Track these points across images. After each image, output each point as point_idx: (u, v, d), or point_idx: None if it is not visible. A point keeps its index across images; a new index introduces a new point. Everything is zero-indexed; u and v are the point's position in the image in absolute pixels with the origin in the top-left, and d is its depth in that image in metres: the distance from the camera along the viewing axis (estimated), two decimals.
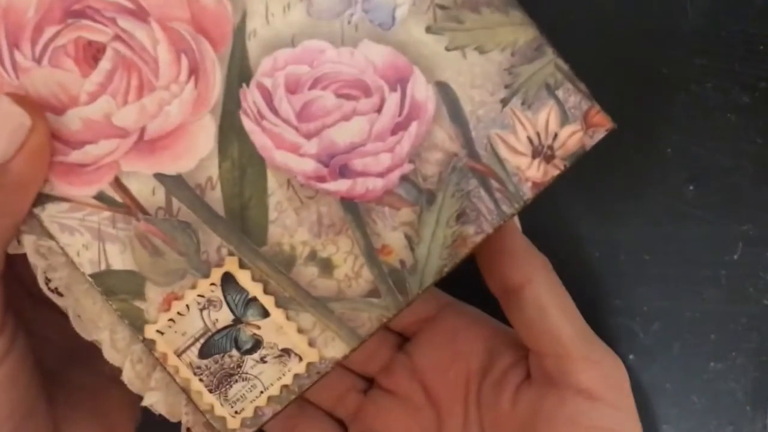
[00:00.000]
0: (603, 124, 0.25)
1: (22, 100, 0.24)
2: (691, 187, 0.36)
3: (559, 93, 0.25)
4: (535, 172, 0.25)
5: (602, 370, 0.29)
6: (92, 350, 0.30)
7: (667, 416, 0.36)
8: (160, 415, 0.27)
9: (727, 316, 0.36)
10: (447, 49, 0.25)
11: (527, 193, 0.25)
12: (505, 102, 0.25)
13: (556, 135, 0.25)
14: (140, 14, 0.25)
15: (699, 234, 0.36)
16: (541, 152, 0.25)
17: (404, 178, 0.25)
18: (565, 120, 0.25)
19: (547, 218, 0.36)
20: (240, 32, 0.25)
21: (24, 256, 0.26)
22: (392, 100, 0.25)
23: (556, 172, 0.25)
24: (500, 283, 0.30)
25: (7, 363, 0.26)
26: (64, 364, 0.31)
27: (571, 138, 0.25)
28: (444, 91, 0.25)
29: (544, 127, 0.25)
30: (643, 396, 0.30)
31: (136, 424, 0.32)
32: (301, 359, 0.26)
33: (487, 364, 0.32)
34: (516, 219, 0.32)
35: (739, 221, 0.36)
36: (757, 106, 0.36)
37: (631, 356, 0.36)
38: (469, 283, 0.31)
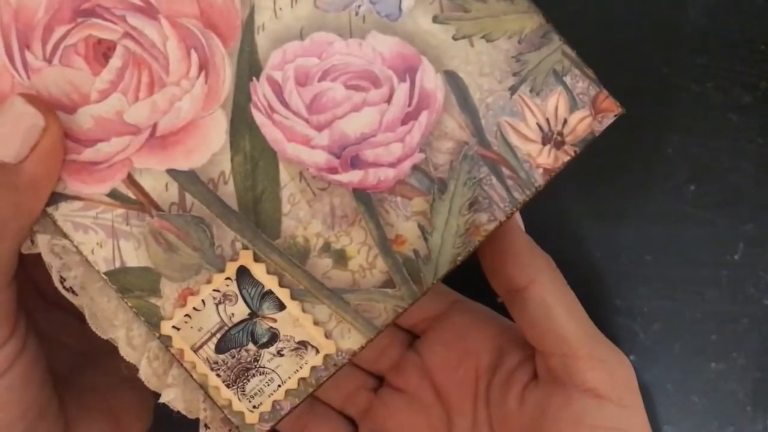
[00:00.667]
0: (612, 109, 0.25)
1: (35, 100, 0.24)
2: (692, 187, 0.36)
3: (567, 79, 0.25)
4: (546, 159, 0.25)
5: (608, 369, 0.29)
6: (104, 352, 0.30)
7: (668, 416, 0.36)
8: (178, 413, 0.27)
9: (728, 317, 0.36)
10: (454, 38, 0.25)
11: (539, 179, 0.25)
12: (513, 89, 0.25)
13: (565, 121, 0.25)
14: (149, 11, 0.25)
15: (700, 234, 0.36)
16: (552, 138, 0.25)
17: (416, 168, 0.25)
18: (574, 106, 0.25)
19: (548, 218, 0.36)
20: (249, 26, 0.25)
21: (36, 257, 0.26)
22: (401, 90, 0.25)
23: (567, 158, 0.25)
24: (504, 284, 0.30)
25: (19, 364, 0.26)
26: (76, 366, 0.31)
27: (581, 124, 0.25)
28: (453, 80, 0.25)
29: (554, 113, 0.25)
30: (644, 396, 0.30)
31: (147, 426, 0.32)
32: (318, 351, 0.26)
33: (496, 363, 0.32)
34: (519, 219, 0.32)
35: (740, 221, 0.36)
36: (758, 105, 0.36)
37: (631, 356, 0.36)
38: (477, 280, 0.31)
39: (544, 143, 0.25)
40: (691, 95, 0.36)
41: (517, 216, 0.31)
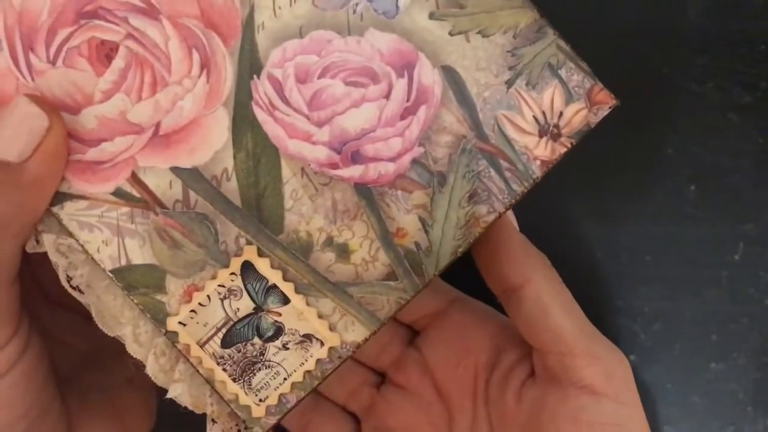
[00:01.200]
0: (606, 101, 0.26)
1: (39, 100, 0.25)
2: (692, 187, 0.36)
3: (562, 72, 0.26)
4: (543, 151, 0.26)
5: (605, 366, 0.29)
6: (108, 352, 0.31)
7: (668, 417, 0.36)
8: (185, 408, 0.27)
9: (728, 317, 0.36)
10: (450, 34, 0.26)
11: (536, 171, 0.26)
12: (510, 83, 0.26)
13: (561, 113, 0.26)
14: (151, 12, 0.25)
15: (700, 234, 0.36)
16: (548, 131, 0.26)
17: (415, 162, 0.26)
18: (569, 98, 0.26)
19: (548, 219, 0.36)
20: (249, 26, 0.25)
21: (41, 256, 0.26)
22: (400, 85, 0.26)
23: (564, 150, 0.26)
24: (500, 283, 0.30)
25: (22, 363, 0.26)
26: (80, 366, 0.31)
27: (576, 116, 0.26)
28: (450, 74, 0.26)
29: (549, 106, 0.26)
30: (645, 396, 0.30)
31: (151, 426, 0.32)
32: (322, 344, 0.26)
33: (494, 360, 0.33)
34: (513, 219, 0.32)
35: (740, 221, 0.36)
36: (758, 105, 0.36)
37: (632, 356, 0.36)
38: (477, 278, 0.32)
39: (540, 136, 0.26)
40: (691, 95, 0.36)
41: (511, 216, 0.32)
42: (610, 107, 0.26)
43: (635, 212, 0.36)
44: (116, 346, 0.29)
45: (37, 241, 0.26)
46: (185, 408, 0.27)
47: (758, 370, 0.36)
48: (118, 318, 0.26)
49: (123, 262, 0.26)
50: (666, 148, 0.36)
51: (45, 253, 0.26)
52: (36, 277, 0.30)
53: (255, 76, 0.25)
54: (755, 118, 0.36)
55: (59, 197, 0.26)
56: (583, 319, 0.30)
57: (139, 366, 0.27)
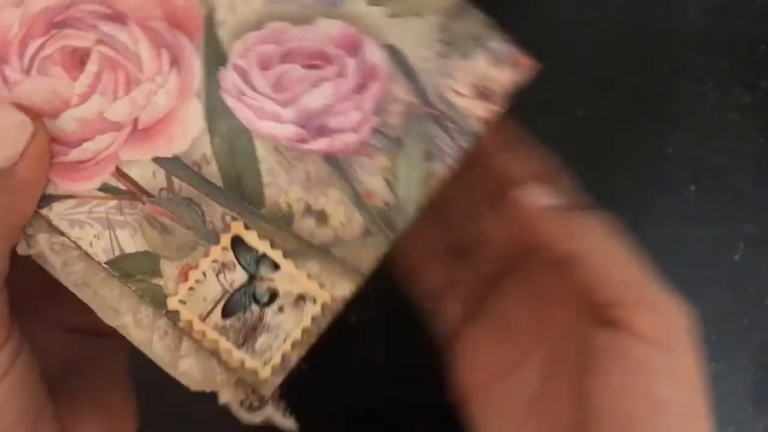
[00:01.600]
0: (527, 64, 0.30)
1: (22, 107, 0.26)
2: (693, 188, 0.36)
3: (487, 42, 0.30)
4: (481, 111, 0.30)
5: (656, 314, 0.29)
6: (96, 355, 0.31)
7: None
8: (186, 392, 0.28)
9: (729, 317, 0.36)
10: (389, 16, 0.29)
11: (478, 127, 0.30)
12: (445, 56, 0.30)
13: (491, 78, 0.30)
14: (119, 18, 0.27)
15: (700, 234, 0.36)
16: (482, 93, 0.30)
17: (374, 130, 0.29)
18: (497, 64, 0.30)
19: None
20: (210, 23, 0.28)
21: (24, 266, 0.27)
22: (351, 65, 0.29)
23: (496, 108, 0.30)
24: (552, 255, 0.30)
25: (17, 366, 0.27)
26: (65, 372, 0.31)
27: (504, 78, 0.30)
28: (393, 52, 0.29)
29: (481, 72, 0.30)
30: None
31: (136, 427, 0.33)
32: (315, 302, 0.28)
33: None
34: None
35: (741, 221, 0.36)
36: (759, 105, 0.36)
37: None
38: None
39: (477, 98, 0.30)
40: (691, 95, 0.36)
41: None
42: (531, 68, 0.30)
43: (636, 212, 0.36)
44: (100, 348, 0.30)
45: (29, 244, 0.27)
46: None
47: (758, 370, 0.36)
48: (117, 308, 0.27)
49: (117, 253, 0.27)
50: (666, 148, 0.36)
51: (20, 262, 0.27)
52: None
53: (221, 67, 0.28)
54: (755, 118, 0.36)
55: (47, 199, 0.27)
56: (635, 267, 0.29)
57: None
